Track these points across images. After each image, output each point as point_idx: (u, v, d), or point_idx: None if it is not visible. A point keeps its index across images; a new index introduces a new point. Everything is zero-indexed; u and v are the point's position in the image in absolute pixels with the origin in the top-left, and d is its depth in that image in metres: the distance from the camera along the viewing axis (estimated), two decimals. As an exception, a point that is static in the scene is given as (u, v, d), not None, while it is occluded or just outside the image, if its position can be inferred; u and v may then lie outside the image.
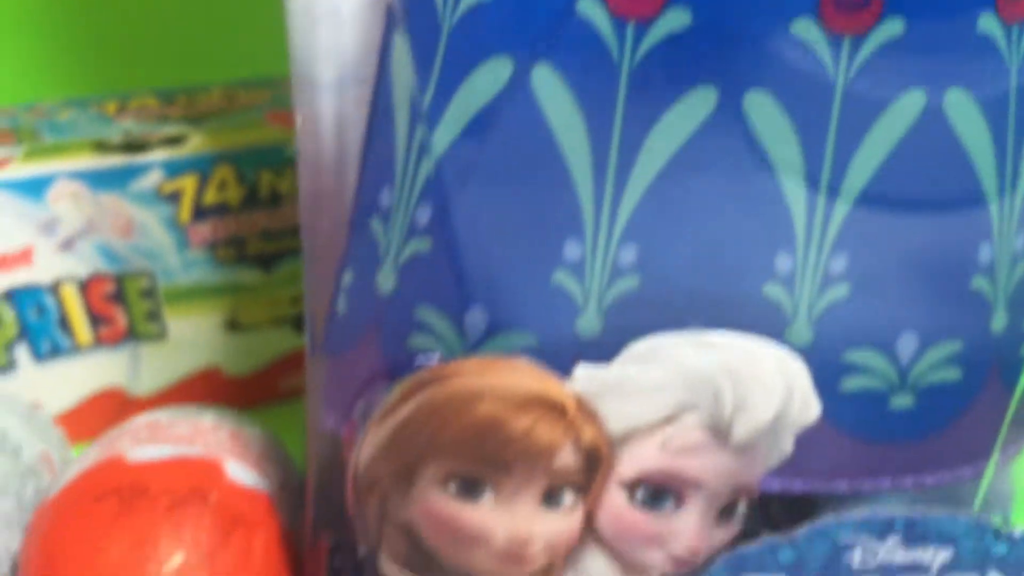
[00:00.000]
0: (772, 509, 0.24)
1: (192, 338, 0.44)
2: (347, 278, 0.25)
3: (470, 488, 0.24)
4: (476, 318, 0.23)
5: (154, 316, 0.43)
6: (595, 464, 0.23)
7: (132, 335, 0.43)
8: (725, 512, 0.24)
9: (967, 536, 0.25)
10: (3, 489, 0.31)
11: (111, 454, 0.30)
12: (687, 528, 0.24)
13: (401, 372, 0.23)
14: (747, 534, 0.25)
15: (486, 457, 0.23)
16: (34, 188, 0.39)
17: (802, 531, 0.24)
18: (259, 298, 0.44)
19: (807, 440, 0.24)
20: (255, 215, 0.43)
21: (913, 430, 0.24)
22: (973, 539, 0.24)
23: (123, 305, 0.42)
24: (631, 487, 0.24)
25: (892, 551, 0.25)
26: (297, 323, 0.46)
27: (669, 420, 0.23)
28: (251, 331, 0.45)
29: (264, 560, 0.29)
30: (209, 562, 0.28)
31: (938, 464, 0.24)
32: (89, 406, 0.43)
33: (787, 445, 0.23)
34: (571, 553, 0.25)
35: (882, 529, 0.24)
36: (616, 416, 0.23)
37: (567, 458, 0.23)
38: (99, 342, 0.43)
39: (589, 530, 0.24)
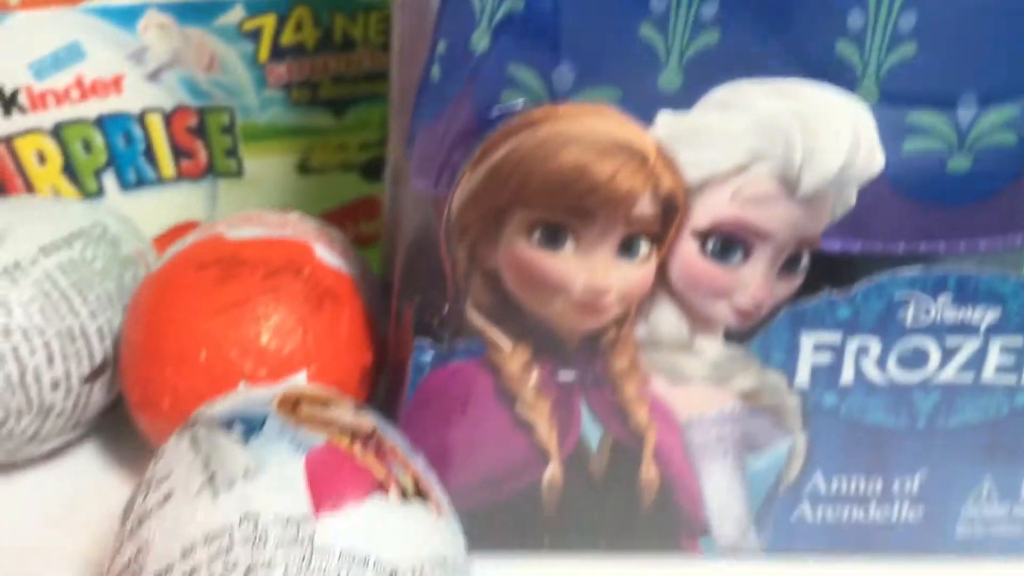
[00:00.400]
0: (832, 269, 0.26)
1: (266, 178, 0.46)
2: (441, 47, 0.26)
3: (553, 236, 0.26)
4: (564, 74, 0.25)
5: (232, 153, 0.45)
6: (671, 213, 0.25)
7: (211, 170, 0.45)
8: (789, 265, 0.26)
9: (1015, 297, 0.26)
10: (106, 273, 0.33)
11: (210, 234, 0.32)
12: (753, 279, 0.26)
13: (492, 126, 0.25)
14: (807, 290, 0.26)
15: (570, 204, 0.25)
16: (126, 16, 0.41)
17: (859, 287, 0.26)
18: (329, 142, 0.46)
19: (868, 200, 0.25)
20: (329, 58, 0.45)
21: (969, 193, 0.25)
22: (1021, 300, 0.26)
23: (204, 140, 0.44)
24: (703, 237, 0.26)
25: (943, 309, 0.26)
26: (365, 170, 0.47)
27: (741, 169, 0.25)
28: (321, 175, 0.47)
29: (350, 331, 0.31)
30: (302, 326, 0.30)
31: (991, 229, 0.26)
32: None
33: (851, 198, 0.25)
34: (643, 304, 0.27)
35: (935, 286, 0.26)
36: (693, 164, 0.25)
37: (645, 206, 0.25)
38: (181, 175, 0.45)
39: (661, 281, 0.26)
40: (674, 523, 0.30)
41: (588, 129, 0.24)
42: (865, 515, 0.30)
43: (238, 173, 0.45)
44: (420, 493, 0.22)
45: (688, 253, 0.26)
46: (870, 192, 0.25)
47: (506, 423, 0.28)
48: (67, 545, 0.31)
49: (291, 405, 0.23)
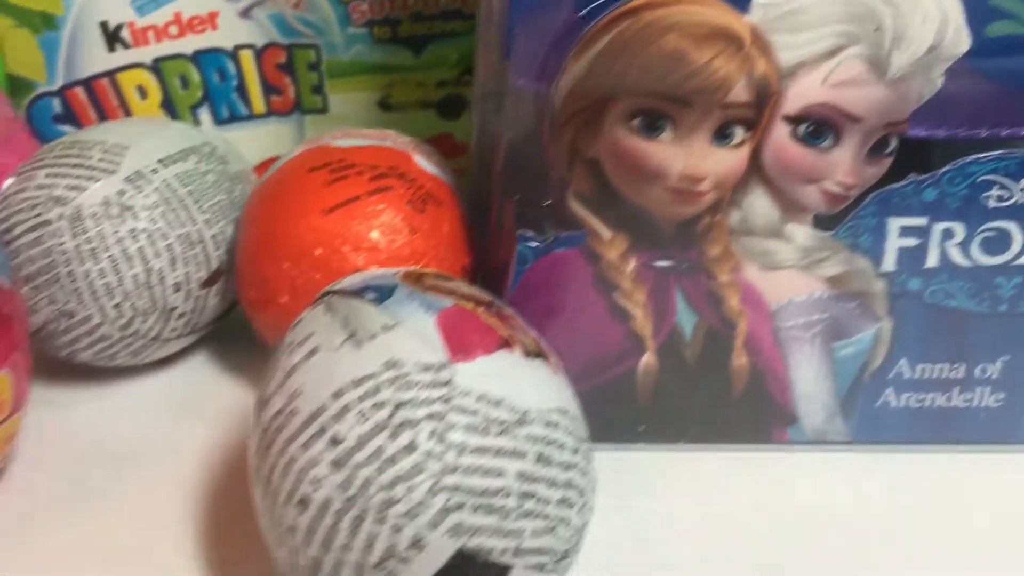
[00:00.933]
0: (917, 154, 0.28)
1: (349, 114, 0.48)
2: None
3: (651, 124, 0.27)
4: (663, -32, 0.26)
5: (318, 90, 0.47)
6: (764, 98, 0.27)
7: (298, 107, 0.47)
8: (877, 149, 0.27)
9: (1095, 178, 0.27)
10: (218, 186, 0.35)
11: (316, 144, 0.34)
12: (843, 163, 0.27)
13: (594, 16, 0.27)
14: (894, 175, 0.28)
15: (668, 91, 0.27)
16: (222, -46, 0.43)
17: (944, 171, 0.28)
18: (408, 80, 0.48)
19: (953, 84, 0.27)
20: (408, -4, 0.46)
21: (1051, 78, 0.27)
22: (1101, 182, 0.27)
23: (292, 76, 0.46)
24: (795, 122, 0.27)
25: (1026, 192, 0.28)
26: (441, 107, 0.49)
27: (833, 53, 0.26)
28: (400, 112, 0.49)
29: (451, 232, 0.33)
30: (409, 225, 0.32)
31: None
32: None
33: (937, 80, 0.26)
34: (737, 190, 0.28)
35: (1019, 169, 0.27)
36: (787, 48, 0.26)
37: (740, 92, 0.27)
38: (270, 111, 0.47)
39: (754, 167, 0.28)
40: (764, 412, 0.31)
41: (687, 15, 0.26)
42: (947, 401, 0.31)
43: (323, 109, 0.47)
44: (540, 353, 0.24)
45: (780, 138, 0.27)
46: (955, 75, 0.26)
47: (604, 312, 0.30)
48: (189, 437, 0.33)
49: (415, 278, 0.25)
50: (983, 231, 0.28)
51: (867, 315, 0.30)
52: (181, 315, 0.34)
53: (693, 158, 0.27)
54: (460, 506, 0.21)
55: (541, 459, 0.22)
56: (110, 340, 0.33)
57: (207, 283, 0.34)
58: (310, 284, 0.31)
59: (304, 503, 0.22)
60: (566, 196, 0.29)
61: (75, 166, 0.33)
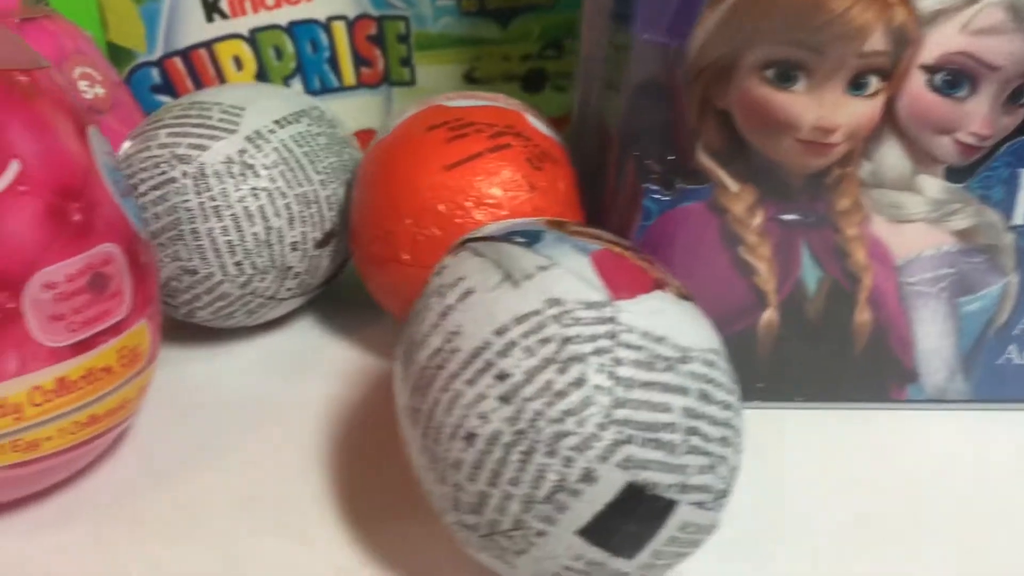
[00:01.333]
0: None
1: (436, 87, 0.48)
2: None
3: (785, 74, 0.27)
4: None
5: (406, 62, 0.47)
6: (902, 47, 0.27)
7: (387, 79, 0.47)
8: (1013, 98, 0.27)
9: None
10: (329, 148, 0.36)
11: (430, 104, 0.34)
12: (978, 113, 0.27)
13: (731, -30, 0.27)
14: (1030, 127, 0.28)
15: (804, 39, 0.27)
16: (317, -75, 0.44)
17: (1082, 120, 0.27)
18: (494, 53, 0.48)
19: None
20: (497, -32, 0.47)
21: None
22: None
23: (381, 48, 0.47)
24: (931, 71, 0.27)
25: None
26: (525, 81, 0.49)
27: (972, 1, 0.26)
28: (485, 85, 0.49)
29: (567, 190, 0.33)
30: (528, 182, 0.32)
31: None
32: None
33: (1080, 27, 0.26)
34: (869, 142, 0.28)
35: None
36: (928, -4, 0.26)
37: (877, 41, 0.27)
38: (360, 83, 0.47)
39: (887, 118, 0.28)
40: (884, 370, 0.31)
41: (828, -35, 0.26)
42: (1071, 357, 0.31)
43: (411, 82, 0.47)
44: (688, 296, 0.24)
45: (916, 87, 0.27)
46: (1095, 26, 0.26)
47: (728, 266, 0.30)
48: (306, 393, 0.33)
49: (557, 224, 0.25)
50: (1117, 183, 0.28)
51: (995, 270, 0.29)
52: (296, 275, 0.34)
53: (826, 108, 0.27)
54: (630, 439, 0.21)
55: (703, 396, 0.22)
56: (229, 298, 0.34)
57: (321, 244, 0.35)
58: (431, 241, 0.31)
59: (471, 437, 0.22)
60: (694, 149, 0.29)
61: (196, 125, 0.33)
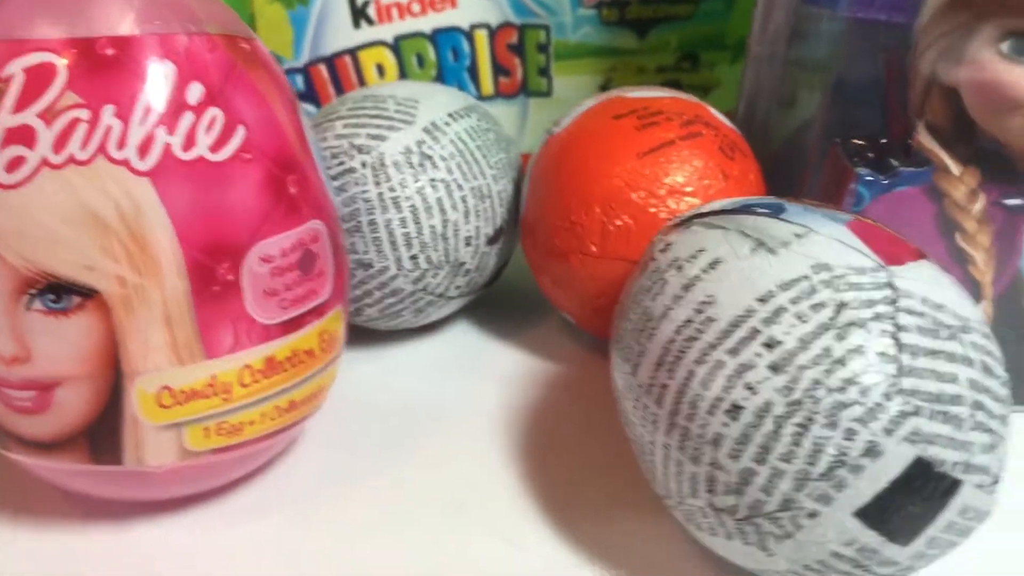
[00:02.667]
0: None
1: (572, 98, 0.47)
2: None
3: (1023, 46, 0.26)
4: None
5: (544, 72, 0.47)
6: None
7: (524, 89, 0.47)
8: None
9: None
10: (498, 144, 0.35)
11: (609, 96, 0.33)
12: None
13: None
14: None
15: (1046, 12, 0.25)
16: (466, -69, 0.43)
17: None
18: (630, 64, 0.48)
19: None
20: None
21: None
22: None
23: (521, 57, 0.46)
24: None
25: None
26: (661, 93, 0.48)
27: None
28: (621, 97, 0.48)
29: (756, 182, 0.32)
30: (721, 171, 0.31)
31: None
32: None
33: None
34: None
35: None
36: None
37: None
38: (498, 93, 0.47)
39: None
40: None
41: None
42: None
43: (547, 92, 0.47)
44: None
45: None
46: None
47: (942, 255, 0.28)
48: (479, 394, 0.32)
49: (792, 199, 0.24)
50: None
51: None
52: (467, 272, 0.33)
53: (1066, 84, 0.26)
54: (917, 411, 0.20)
55: (986, 369, 0.20)
56: (401, 295, 0.33)
57: (492, 240, 0.34)
58: (621, 231, 0.30)
59: (736, 410, 0.20)
60: (915, 130, 0.27)
61: (373, 116, 0.33)
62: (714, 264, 0.22)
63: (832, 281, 0.20)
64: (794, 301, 0.20)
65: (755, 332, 0.20)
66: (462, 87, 0.46)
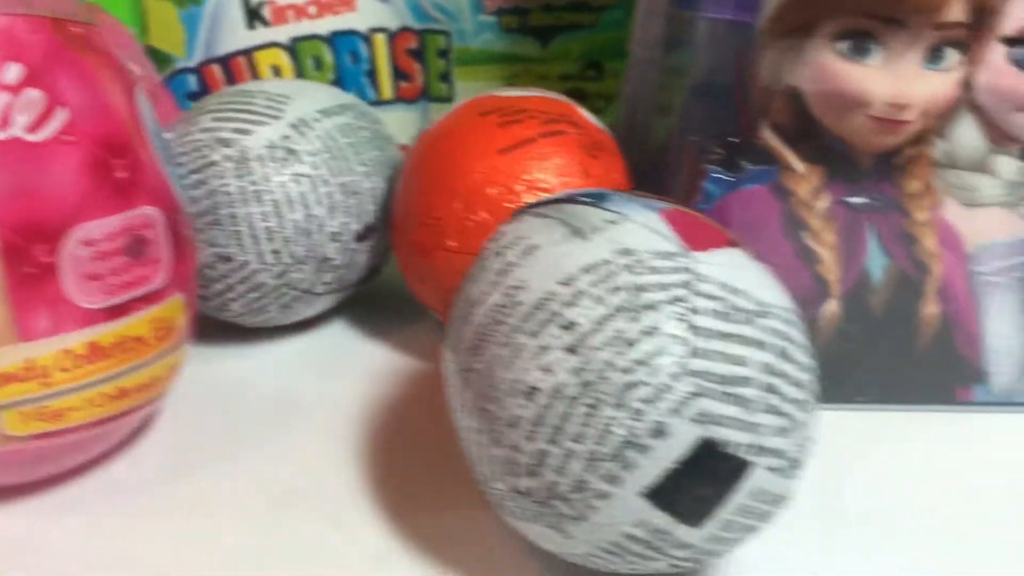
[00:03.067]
0: None
1: (474, 105, 0.47)
2: None
3: (861, 46, 0.26)
4: None
5: (445, 77, 0.47)
6: (982, 17, 0.26)
7: (425, 94, 0.47)
8: (1095, 73, 0.26)
9: None
10: (372, 142, 0.35)
11: (481, 95, 0.33)
12: (1059, 89, 0.26)
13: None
14: (1110, 104, 0.27)
15: (882, 9, 0.26)
16: (362, -65, 0.43)
17: None
18: (532, 72, 0.48)
19: None
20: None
21: None
22: None
23: (421, 63, 0.46)
24: (1012, 43, 0.26)
25: None
26: (565, 102, 0.48)
27: (1055, -31, 0.25)
28: (524, 105, 0.48)
29: (620, 181, 0.32)
30: (583, 169, 0.31)
31: None
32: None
33: None
34: (944, 120, 0.27)
35: None
36: (1006, -36, 0.25)
37: (956, 11, 0.26)
38: (398, 97, 0.47)
39: (964, 94, 0.27)
40: (949, 368, 0.30)
41: (903, -68, 0.25)
42: None
43: (449, 98, 0.47)
44: (760, 262, 0.23)
45: (996, 61, 0.26)
46: None
47: (790, 253, 0.29)
48: (338, 392, 0.32)
49: (622, 190, 0.24)
50: None
51: (1072, 258, 0.28)
52: (334, 268, 0.33)
53: (901, 83, 0.26)
54: (705, 392, 0.20)
55: (782, 354, 0.21)
56: (263, 289, 0.33)
57: (361, 237, 0.34)
58: (480, 226, 0.30)
59: (532, 392, 0.20)
60: (760, 128, 0.28)
61: (241, 111, 0.32)
62: (529, 250, 0.22)
63: (633, 265, 0.21)
64: (594, 284, 0.20)
65: (554, 315, 0.20)
66: (361, 91, 0.46)
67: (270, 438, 0.29)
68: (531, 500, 0.21)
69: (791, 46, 0.26)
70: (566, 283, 0.21)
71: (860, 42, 0.26)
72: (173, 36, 0.43)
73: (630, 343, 0.20)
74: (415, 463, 0.28)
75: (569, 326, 0.20)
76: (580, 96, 0.48)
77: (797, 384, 0.21)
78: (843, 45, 0.26)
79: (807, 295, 0.29)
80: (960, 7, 0.25)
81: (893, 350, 0.29)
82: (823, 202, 0.28)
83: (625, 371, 0.20)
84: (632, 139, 0.35)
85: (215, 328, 0.35)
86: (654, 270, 0.20)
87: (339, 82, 0.45)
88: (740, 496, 0.20)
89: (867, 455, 0.28)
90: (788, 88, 0.27)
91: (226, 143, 0.31)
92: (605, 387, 0.20)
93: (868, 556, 0.24)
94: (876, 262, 0.28)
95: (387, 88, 0.46)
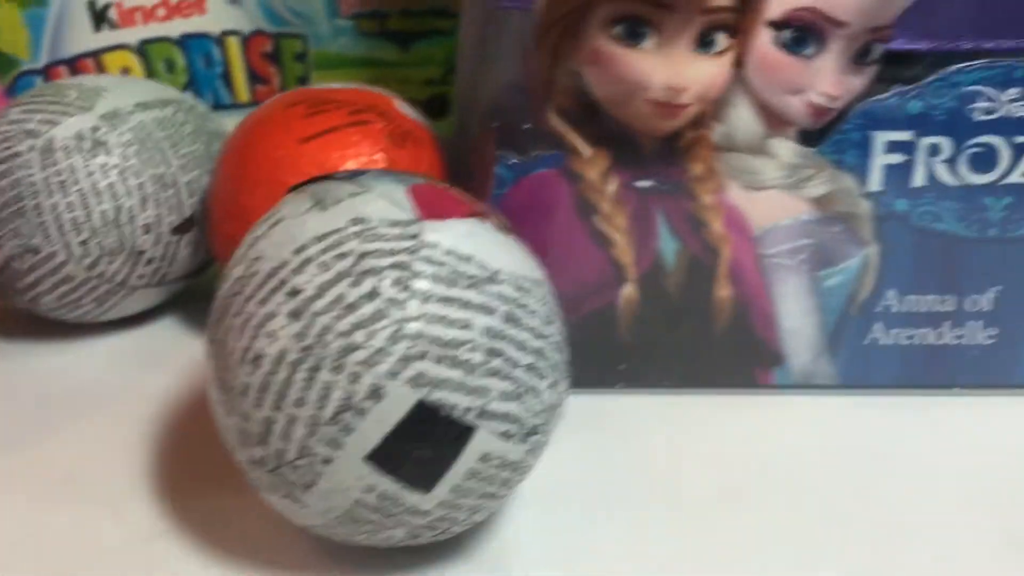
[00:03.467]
0: (901, 66, 0.27)
1: (334, 109, 0.48)
2: None
3: (634, 30, 0.27)
4: None
5: (303, 81, 0.47)
6: (747, 2, 0.26)
7: (283, 98, 0.47)
8: (860, 57, 0.27)
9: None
10: (195, 137, 0.35)
11: (298, 87, 0.34)
12: (826, 71, 0.27)
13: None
14: (879, 87, 0.27)
15: (650, -4, 0.26)
16: (210, -62, 0.44)
17: (929, 80, 0.27)
18: (394, 75, 0.48)
19: (933, -4, 0.26)
20: (397, -9, 0.47)
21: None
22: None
23: (278, 66, 0.46)
24: (778, 28, 0.27)
25: (1013, 104, 0.27)
26: (427, 107, 0.49)
27: (813, -45, 0.26)
28: (386, 109, 0.48)
29: (430, 171, 0.32)
30: (387, 158, 0.31)
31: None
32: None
33: (919, -18, 0.26)
34: (720, 103, 0.28)
35: (1003, 79, 0.27)
36: (766, -51, 0.26)
37: (721, -4, 0.26)
38: (255, 100, 0.47)
39: (737, 78, 0.27)
40: (749, 351, 0.30)
41: (667, -83, 0.26)
42: (938, 338, 0.30)
43: (308, 102, 0.47)
44: (512, 232, 0.23)
45: (763, 45, 0.27)
46: (936, -18, 0.26)
47: (584, 237, 0.29)
48: (150, 385, 0.32)
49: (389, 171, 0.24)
50: (970, 147, 0.28)
51: (853, 240, 0.29)
52: (150, 260, 0.33)
53: (675, 67, 0.27)
54: (422, 355, 0.20)
55: (511, 319, 0.21)
56: (74, 281, 0.32)
57: (179, 229, 0.34)
58: (283, 214, 0.30)
59: (258, 359, 0.20)
60: (546, 112, 0.28)
61: (50, 103, 0.32)
62: (276, 223, 0.22)
63: (363, 233, 0.21)
64: (323, 252, 0.21)
65: (282, 283, 0.20)
66: (216, 94, 0.46)
67: (63, 427, 0.29)
68: (265, 470, 0.21)
69: (567, 29, 0.26)
70: (298, 251, 0.21)
71: (633, 27, 0.26)
72: (17, 37, 0.43)
73: (350, 307, 0.20)
74: (203, 449, 0.28)
75: (294, 292, 0.20)
76: (444, 102, 0.48)
77: (529, 350, 0.21)
78: (618, 30, 0.26)
79: (604, 279, 0.29)
80: (726, -9, 0.26)
81: (692, 334, 0.30)
82: (612, 185, 0.28)
83: (343, 335, 0.20)
84: (462, 136, 0.35)
85: (40, 325, 0.34)
86: (380, 237, 0.21)
87: (193, 85, 0.45)
88: (468, 461, 0.20)
89: (669, 438, 0.29)
90: (570, 72, 0.27)
91: (32, 134, 0.31)
92: (324, 351, 0.20)
93: (658, 538, 0.25)
94: (668, 245, 0.29)
95: (243, 91, 0.46)
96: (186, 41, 0.44)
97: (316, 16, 0.46)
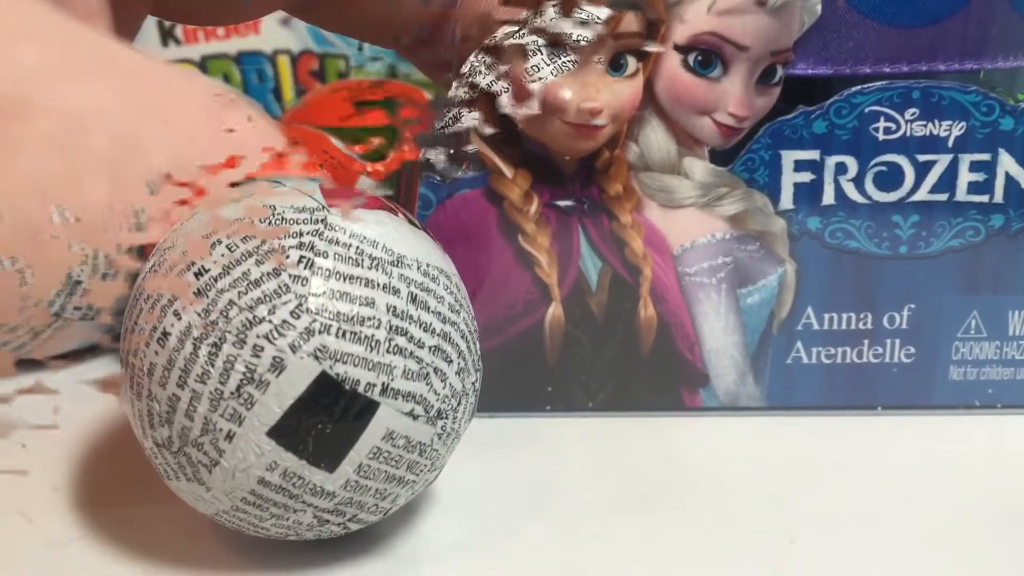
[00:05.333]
0: (805, 89, 0.29)
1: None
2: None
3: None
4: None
5: (345, 99, 0.49)
6: (654, 27, 0.28)
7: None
8: (765, 78, 0.28)
9: (977, 109, 0.28)
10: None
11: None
12: (732, 93, 0.28)
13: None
14: (784, 108, 0.29)
15: (562, 21, 0.28)
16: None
17: (831, 102, 0.29)
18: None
19: (832, 24, 0.28)
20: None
21: (926, 15, 0.28)
22: (983, 112, 0.28)
23: (323, 83, 0.48)
24: (684, 51, 0.28)
25: (913, 123, 0.29)
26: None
27: (716, -18, 0.28)
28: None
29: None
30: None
31: (948, 51, 0.28)
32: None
33: (817, 7, 0.28)
34: (633, 124, 0.29)
35: (902, 100, 0.28)
36: (671, -23, 0.28)
37: (631, 21, 0.28)
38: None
39: (649, 99, 0.29)
40: (674, 373, 0.31)
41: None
42: (858, 356, 0.30)
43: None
44: (422, 228, 0.24)
45: (671, 67, 0.28)
46: (834, 16, 0.28)
47: (509, 258, 0.30)
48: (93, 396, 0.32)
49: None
50: (875, 165, 0.29)
51: (770, 258, 0.30)
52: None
53: (589, 89, 0.28)
54: (325, 329, 0.20)
55: (415, 301, 0.21)
56: (11, 311, 0.32)
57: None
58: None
59: (164, 337, 0.21)
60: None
61: None
62: (192, 216, 0.23)
63: (270, 217, 0.21)
64: (231, 235, 0.21)
65: (191, 265, 0.21)
66: (267, 108, 0.47)
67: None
68: (169, 452, 0.21)
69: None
70: (207, 236, 0.21)
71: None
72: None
73: (254, 283, 0.20)
74: (122, 460, 0.28)
75: (201, 272, 0.21)
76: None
77: (434, 332, 0.21)
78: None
79: (530, 299, 0.30)
80: (633, 17, 0.27)
81: (619, 355, 0.30)
82: (533, 206, 0.29)
83: (247, 309, 0.20)
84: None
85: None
86: (288, 221, 0.21)
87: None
88: (372, 438, 0.20)
89: (592, 454, 0.29)
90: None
91: None
92: (228, 326, 0.20)
93: (573, 547, 0.25)
94: (591, 264, 0.30)
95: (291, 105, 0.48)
96: (242, 57, 0.46)
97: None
